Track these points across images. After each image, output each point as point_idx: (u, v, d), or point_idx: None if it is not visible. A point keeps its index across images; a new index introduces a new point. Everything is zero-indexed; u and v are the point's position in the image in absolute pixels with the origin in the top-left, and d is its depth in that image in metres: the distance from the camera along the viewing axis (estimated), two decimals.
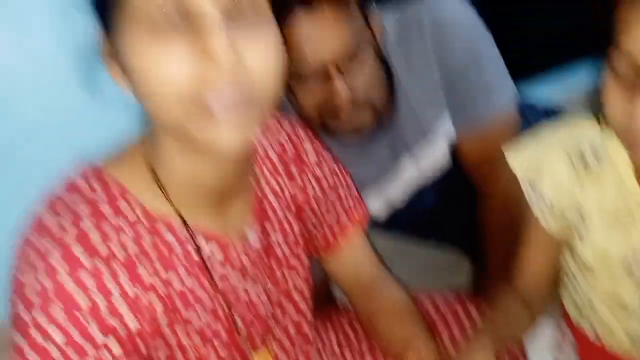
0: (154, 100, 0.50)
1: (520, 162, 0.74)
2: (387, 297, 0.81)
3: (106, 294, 0.52)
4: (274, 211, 0.72)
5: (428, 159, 1.04)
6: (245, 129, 0.51)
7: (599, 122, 0.66)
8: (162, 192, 0.59)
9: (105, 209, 0.56)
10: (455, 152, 1.04)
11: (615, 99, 0.57)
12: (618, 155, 0.67)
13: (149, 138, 0.59)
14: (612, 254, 0.69)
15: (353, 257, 0.83)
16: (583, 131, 0.70)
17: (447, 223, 1.19)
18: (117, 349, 0.52)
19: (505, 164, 1.02)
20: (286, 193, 0.73)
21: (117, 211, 0.56)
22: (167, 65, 0.48)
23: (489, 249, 1.14)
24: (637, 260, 0.68)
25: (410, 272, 1.19)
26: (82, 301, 0.51)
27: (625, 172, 0.67)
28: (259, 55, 0.50)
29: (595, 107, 0.65)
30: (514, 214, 1.07)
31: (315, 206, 0.77)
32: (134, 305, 0.54)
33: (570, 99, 1.42)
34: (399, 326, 0.77)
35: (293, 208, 0.75)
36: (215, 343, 0.64)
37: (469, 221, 1.13)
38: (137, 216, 0.57)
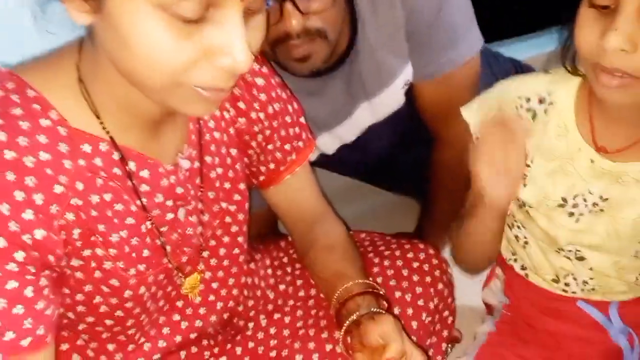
0: (137, 69, 0.49)
1: (472, 115, 0.77)
2: (326, 231, 0.82)
3: (11, 199, 0.49)
4: (216, 144, 0.70)
5: (384, 104, 1.02)
6: (220, 102, 0.53)
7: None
8: (91, 107, 0.56)
9: (17, 112, 0.52)
10: (412, 96, 1.02)
11: (588, 27, 0.59)
12: (564, 102, 0.71)
13: (89, 52, 0.55)
14: (551, 195, 0.72)
15: (295, 188, 0.82)
16: (530, 82, 0.74)
17: (399, 167, 1.18)
18: (20, 256, 0.51)
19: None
20: (230, 127, 0.72)
21: (31, 117, 0.52)
22: (169, 49, 0.47)
23: (437, 195, 1.15)
24: (573, 202, 0.72)
25: (359, 215, 1.21)
26: None
27: (568, 119, 0.70)
28: (257, 43, 0.52)
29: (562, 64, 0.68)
30: (465, 163, 1.10)
31: (261, 140, 0.76)
32: (42, 215, 0.52)
33: (536, 58, 1.42)
34: (333, 259, 0.78)
35: (237, 141, 0.73)
36: (136, 258, 0.62)
37: (421, 167, 1.13)
38: (57, 130, 0.54)
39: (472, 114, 0.77)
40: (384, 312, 0.69)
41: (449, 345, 0.89)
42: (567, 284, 0.78)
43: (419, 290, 0.80)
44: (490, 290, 0.91)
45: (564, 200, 0.72)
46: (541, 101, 0.71)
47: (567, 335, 0.78)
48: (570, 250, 0.75)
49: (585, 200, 0.71)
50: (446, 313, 0.84)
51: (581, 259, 0.75)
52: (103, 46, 0.51)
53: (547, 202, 0.73)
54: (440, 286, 0.83)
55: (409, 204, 1.32)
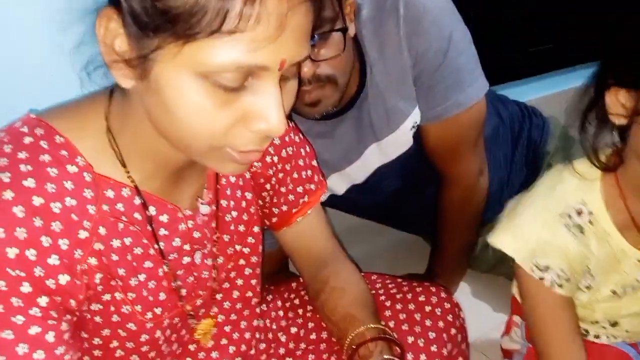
0: (178, 132, 0.52)
1: (516, 250, 0.75)
2: (337, 272, 0.82)
3: (37, 245, 0.50)
4: (232, 187, 0.71)
5: (393, 145, 1.04)
6: (252, 162, 0.56)
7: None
8: (118, 156, 0.57)
9: (46, 158, 0.53)
10: (419, 137, 1.04)
11: None
12: (598, 207, 0.72)
13: (119, 104, 0.57)
14: (602, 292, 0.74)
15: (307, 230, 0.83)
16: (566, 194, 0.73)
17: (408, 207, 1.19)
18: (43, 301, 0.51)
19: (469, 152, 1.05)
20: (246, 171, 0.73)
21: (59, 164, 0.53)
22: (210, 116, 0.49)
23: (445, 235, 1.16)
24: (622, 291, 0.74)
25: (368, 254, 1.21)
26: (10, 251, 0.49)
27: (607, 224, 0.72)
28: (289, 106, 0.55)
29: (576, 112, 0.69)
30: (473, 202, 1.11)
31: (274, 182, 0.77)
32: (67, 260, 0.53)
33: (542, 100, 1.45)
34: (344, 302, 0.78)
35: (251, 184, 0.74)
36: (153, 302, 0.63)
37: (430, 206, 1.14)
38: (83, 176, 0.55)
39: (511, 247, 0.75)
40: (396, 359, 0.69)
41: None
42: (597, 337, 0.79)
43: (432, 335, 0.80)
44: (510, 338, 0.90)
45: (614, 292, 0.74)
46: (580, 213, 0.71)
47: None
48: (605, 322, 0.76)
49: (632, 287, 0.73)
50: (460, 359, 0.84)
51: (615, 324, 0.76)
52: (144, 107, 0.53)
53: (597, 296, 0.74)
54: (453, 331, 0.82)
55: (419, 243, 1.33)
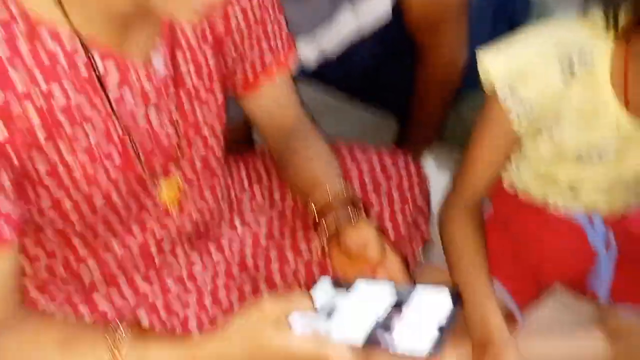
0: None
1: (500, 67, 0.70)
2: (304, 141, 0.79)
3: None
4: (187, 40, 0.65)
5: (369, 12, 0.98)
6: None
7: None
8: None
9: None
10: (399, 8, 0.98)
11: None
12: (601, 57, 0.67)
13: None
14: (568, 147, 0.72)
15: (273, 97, 0.78)
16: (571, 34, 0.69)
17: (380, 82, 1.15)
18: None
19: (451, 24, 1.00)
20: (204, 22, 0.66)
21: None
22: None
23: (417, 112, 1.14)
24: (588, 153, 0.72)
25: (337, 127, 1.18)
26: None
27: (602, 73, 0.67)
28: None
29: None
30: (450, 77, 1.08)
31: (237, 39, 0.70)
32: (2, 111, 0.49)
33: None
34: (311, 168, 0.76)
35: (210, 39, 0.67)
36: (107, 164, 0.59)
37: (402, 82, 1.10)
38: (12, 14, 0.49)
39: (496, 63, 0.70)
40: (362, 219, 0.68)
41: (422, 250, 0.90)
42: (553, 203, 0.79)
43: (396, 199, 0.80)
44: None
45: (579, 157, 0.72)
46: (580, 56, 0.67)
47: (545, 234, 0.80)
48: (563, 184, 0.75)
49: (599, 154, 0.71)
50: (421, 220, 0.84)
51: (574, 189, 0.76)
52: None
53: (561, 154, 0.73)
54: (417, 196, 0.82)
55: (388, 124, 1.30)
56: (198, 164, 0.71)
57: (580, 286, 0.86)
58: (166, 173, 0.67)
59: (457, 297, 0.52)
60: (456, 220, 0.78)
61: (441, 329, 0.49)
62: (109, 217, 0.63)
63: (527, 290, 0.81)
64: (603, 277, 0.80)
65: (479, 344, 0.71)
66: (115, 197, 0.62)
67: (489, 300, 0.73)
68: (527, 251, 0.82)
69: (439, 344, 0.47)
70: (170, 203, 0.68)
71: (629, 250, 0.80)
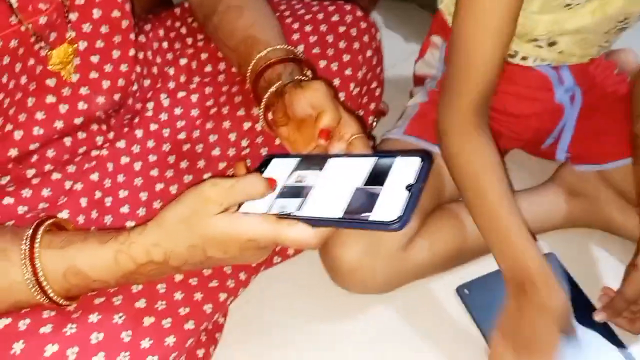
0: None
1: None
2: None
3: None
4: None
5: None
6: None
7: None
8: None
9: None
10: None
11: None
12: None
13: None
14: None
15: None
16: None
17: None
18: None
19: None
20: None
21: None
22: None
23: None
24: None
25: None
26: None
27: None
28: None
29: None
30: None
31: None
32: None
33: None
34: (243, 23, 0.64)
35: None
36: None
37: None
38: None
39: None
40: (310, 79, 0.59)
41: (375, 119, 0.83)
42: (524, 58, 0.71)
43: (346, 58, 0.70)
44: (424, 62, 0.83)
45: (568, 5, 0.63)
46: None
47: (509, 93, 0.73)
48: (543, 39, 0.67)
49: None
50: (374, 84, 0.76)
51: (553, 44, 0.68)
52: None
53: (551, 3, 0.63)
54: (369, 53, 0.72)
55: None
56: (98, 19, 0.58)
57: (536, 148, 0.83)
58: (58, 31, 0.54)
59: (425, 155, 0.45)
60: (467, 139, 0.62)
61: (410, 188, 0.42)
62: (1, 105, 0.51)
63: None
64: (565, 134, 0.76)
65: (518, 286, 0.60)
66: (4, 79, 0.49)
67: (525, 237, 0.60)
68: None
69: (409, 206, 0.41)
70: (65, 70, 0.56)
71: (591, 101, 0.75)
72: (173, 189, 0.64)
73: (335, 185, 0.46)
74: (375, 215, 0.41)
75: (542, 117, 0.75)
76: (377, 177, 0.45)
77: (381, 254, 0.67)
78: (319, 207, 0.44)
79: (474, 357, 0.69)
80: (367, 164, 0.46)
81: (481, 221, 0.63)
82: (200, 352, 0.59)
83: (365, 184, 0.44)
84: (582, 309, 0.70)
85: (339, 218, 0.43)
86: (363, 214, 0.42)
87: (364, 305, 0.73)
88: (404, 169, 0.44)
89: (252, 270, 0.65)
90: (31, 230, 0.46)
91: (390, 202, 0.42)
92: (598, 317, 0.68)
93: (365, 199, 0.43)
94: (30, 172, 0.58)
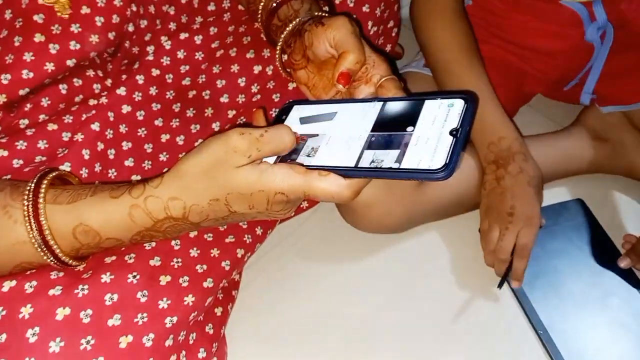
0: None
1: None
2: None
3: None
4: None
5: None
6: None
7: None
8: None
9: None
10: None
11: None
12: None
13: None
14: None
15: None
16: None
17: None
18: None
19: None
20: None
21: None
22: None
23: None
24: None
25: None
26: None
27: None
28: None
29: None
30: None
31: None
32: None
33: None
34: None
35: None
36: None
37: None
38: None
39: None
40: (329, 14, 0.53)
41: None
42: None
43: None
44: None
45: None
46: None
47: (538, 30, 0.69)
48: None
49: None
50: (391, 23, 0.70)
51: None
52: None
53: None
54: None
55: None
56: None
57: (559, 91, 0.79)
58: None
59: (469, 95, 0.40)
60: (438, 19, 0.64)
61: (455, 133, 0.38)
62: None
63: (509, 98, 0.72)
64: (593, 74, 0.72)
65: (496, 159, 0.61)
66: None
67: (503, 115, 0.62)
68: (512, 51, 0.72)
69: (455, 153, 0.37)
70: (58, 4, 0.50)
71: (622, 39, 0.71)
72: (180, 140, 0.59)
73: (368, 132, 0.41)
74: (417, 162, 0.38)
75: (570, 55, 0.71)
76: (415, 121, 0.40)
77: (398, 189, 0.65)
78: (351, 156, 0.40)
79: (495, 300, 0.68)
80: (402, 108, 0.42)
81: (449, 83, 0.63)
82: (219, 311, 0.56)
83: (402, 130, 0.40)
84: (607, 253, 0.70)
85: (376, 167, 0.39)
86: (401, 162, 0.38)
87: (379, 247, 0.71)
88: (446, 112, 0.40)
89: (269, 225, 0.62)
90: (34, 184, 0.41)
91: (433, 148, 0.38)
92: (622, 263, 0.67)
93: (403, 146, 0.39)
94: (24, 123, 0.53)
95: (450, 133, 0.38)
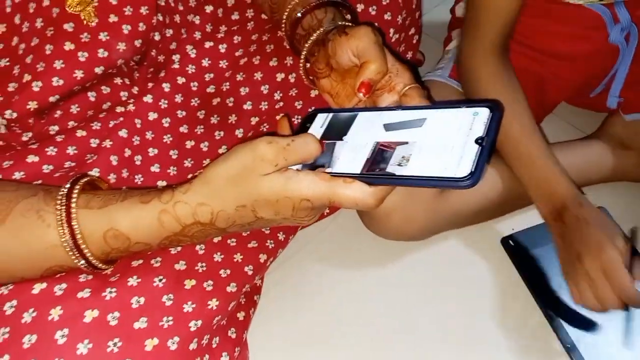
0: None
1: None
2: None
3: None
4: None
5: None
6: None
7: None
8: None
9: None
10: None
11: None
12: None
13: None
14: None
15: None
16: None
17: None
18: None
19: None
20: None
21: None
22: None
23: None
24: None
25: None
26: None
27: None
28: None
29: None
30: None
31: None
32: None
33: None
34: None
35: None
36: None
37: None
38: None
39: None
40: (353, 24, 0.54)
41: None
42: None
43: (385, 1, 0.64)
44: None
45: None
46: None
47: (558, 33, 0.69)
48: None
49: None
50: (412, 31, 0.71)
51: None
52: None
53: None
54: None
55: None
56: None
57: (584, 98, 0.78)
58: None
59: (494, 105, 0.41)
60: (484, 72, 0.64)
61: (480, 141, 0.38)
62: (10, 38, 0.47)
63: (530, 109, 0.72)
64: (618, 77, 0.72)
65: (553, 214, 0.61)
66: (9, 3, 0.44)
67: (550, 161, 0.62)
68: (531, 57, 0.71)
69: (481, 161, 0.37)
70: (85, 12, 0.51)
71: None
72: (204, 147, 0.60)
73: (392, 140, 0.42)
74: (442, 171, 0.38)
75: (593, 59, 0.71)
76: (440, 130, 0.41)
77: (419, 197, 0.65)
78: (376, 164, 0.41)
79: (522, 309, 0.67)
80: (426, 116, 0.42)
81: (505, 149, 0.63)
82: (241, 315, 0.57)
83: (426, 138, 0.41)
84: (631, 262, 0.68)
85: (401, 175, 0.39)
86: (426, 171, 0.38)
87: (400, 254, 0.71)
88: (471, 121, 0.40)
89: (291, 231, 0.63)
90: (66, 189, 0.43)
91: (459, 157, 0.38)
92: None
93: (429, 154, 0.39)
94: (54, 129, 0.55)
95: (476, 141, 0.38)
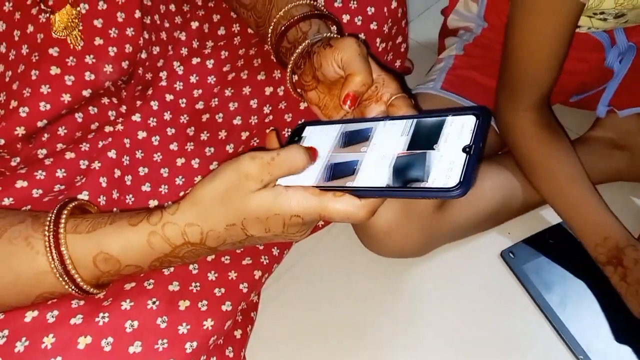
0: None
1: None
2: None
3: None
4: None
5: None
6: None
7: None
8: None
9: None
10: None
11: None
12: None
13: None
14: None
15: None
16: None
17: None
18: None
19: None
20: None
21: None
22: None
23: None
24: None
25: None
26: None
27: None
28: None
29: None
30: None
31: None
32: None
33: None
34: None
35: None
36: None
37: None
38: None
39: None
40: (338, 35, 0.54)
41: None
42: (579, 27, 0.66)
43: (370, 10, 0.64)
44: (457, 14, 0.77)
45: None
46: None
47: None
48: (611, 13, 0.62)
49: None
50: (399, 39, 0.71)
51: (620, 16, 0.63)
52: None
53: None
54: (394, 4, 0.66)
55: None
56: None
57: (574, 101, 0.78)
58: (60, 1, 0.49)
59: (481, 112, 0.40)
60: (530, 135, 0.64)
61: (468, 150, 0.38)
62: (3, 79, 0.47)
63: None
64: (610, 88, 0.72)
65: (611, 262, 0.62)
66: (3, 48, 0.44)
67: (605, 215, 0.63)
68: None
69: (469, 170, 0.37)
70: (71, 36, 0.51)
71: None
72: (195, 164, 0.60)
73: (379, 151, 0.42)
74: (431, 181, 0.38)
75: (590, 75, 0.72)
76: (428, 139, 0.40)
77: (416, 214, 0.64)
78: (365, 176, 0.40)
79: (524, 322, 0.66)
80: (414, 126, 0.42)
81: (557, 202, 0.65)
82: (238, 333, 0.56)
83: (415, 148, 0.40)
84: None
85: (390, 187, 0.39)
86: (416, 181, 0.38)
87: (399, 270, 0.71)
88: (458, 129, 0.40)
89: (285, 245, 0.62)
90: (54, 215, 0.42)
91: (447, 166, 0.38)
92: None
93: (417, 164, 0.39)
94: (42, 153, 0.54)
95: (464, 150, 0.38)
